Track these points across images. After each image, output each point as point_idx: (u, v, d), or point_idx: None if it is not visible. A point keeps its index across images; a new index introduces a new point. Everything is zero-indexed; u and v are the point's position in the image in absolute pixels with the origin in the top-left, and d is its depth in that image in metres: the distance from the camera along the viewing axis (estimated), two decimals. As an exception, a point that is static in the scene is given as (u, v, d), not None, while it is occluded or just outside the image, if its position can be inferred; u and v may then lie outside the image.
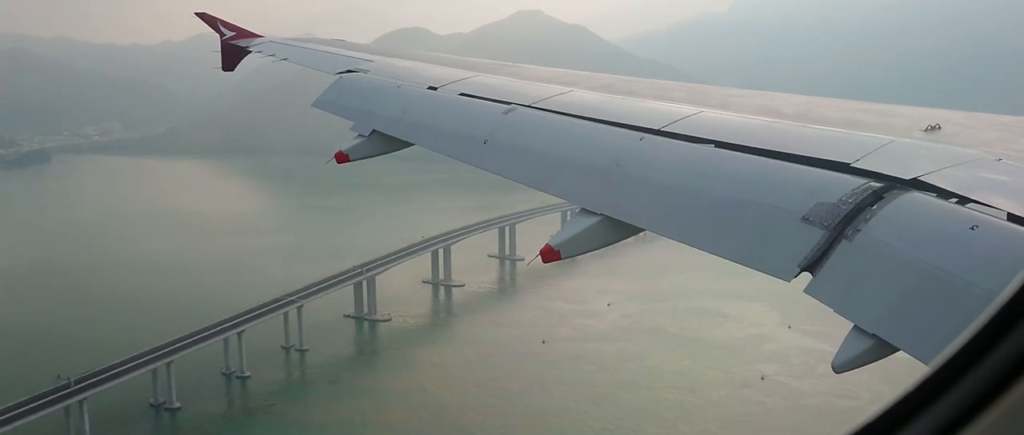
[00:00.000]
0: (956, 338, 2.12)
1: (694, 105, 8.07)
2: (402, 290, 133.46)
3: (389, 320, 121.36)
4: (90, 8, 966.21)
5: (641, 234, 7.02)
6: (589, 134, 7.92)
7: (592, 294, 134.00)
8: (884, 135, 6.28)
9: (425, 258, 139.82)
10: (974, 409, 2.04)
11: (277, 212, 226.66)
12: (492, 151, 8.66)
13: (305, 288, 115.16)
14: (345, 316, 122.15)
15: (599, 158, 7.47)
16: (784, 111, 7.99)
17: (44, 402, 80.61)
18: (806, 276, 5.03)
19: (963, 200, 4.78)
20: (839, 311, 4.74)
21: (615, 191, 6.96)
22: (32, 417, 78.64)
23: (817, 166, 5.75)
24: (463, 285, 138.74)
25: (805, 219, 5.20)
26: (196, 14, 18.75)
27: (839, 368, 4.70)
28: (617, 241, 6.85)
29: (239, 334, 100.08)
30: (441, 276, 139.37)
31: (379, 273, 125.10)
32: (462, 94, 10.15)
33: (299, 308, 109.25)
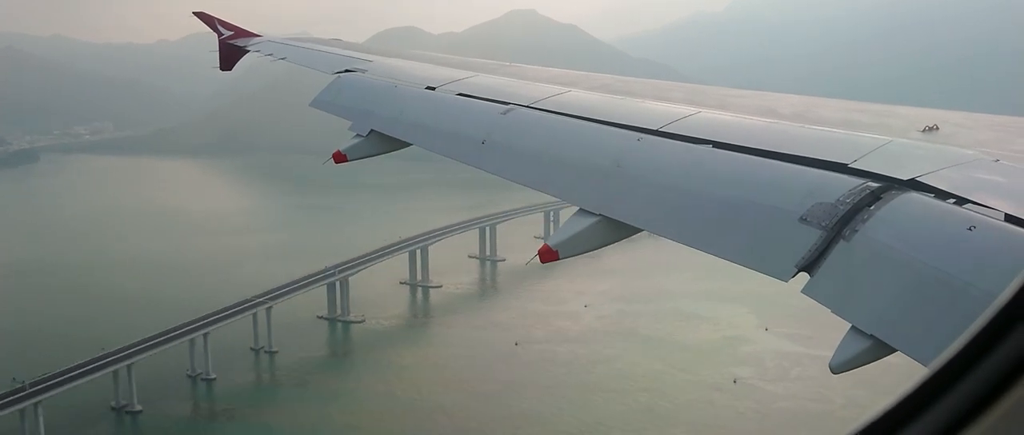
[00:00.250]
0: (954, 340, 2.12)
1: (692, 105, 8.03)
2: (379, 291, 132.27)
3: (362, 322, 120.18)
4: (87, 7, 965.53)
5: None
6: (587, 134, 7.90)
7: (571, 295, 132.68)
8: (882, 135, 6.26)
9: (407, 259, 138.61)
10: (972, 412, 2.03)
11: (268, 211, 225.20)
12: (490, 151, 8.65)
13: (274, 289, 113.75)
14: (318, 317, 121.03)
15: (597, 158, 7.45)
16: (782, 111, 7.96)
17: (-2, 405, 79.55)
18: (803, 277, 5.02)
19: (961, 201, 4.75)
20: (837, 311, 4.71)
21: (613, 191, 6.96)
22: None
23: (815, 166, 5.74)
24: (441, 286, 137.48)
25: (803, 219, 5.20)
26: (194, 14, 18.76)
27: (837, 369, 4.64)
28: (615, 241, 6.85)
29: (204, 336, 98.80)
30: (418, 277, 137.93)
31: (352, 274, 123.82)
32: (460, 94, 10.10)
33: (268, 309, 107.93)
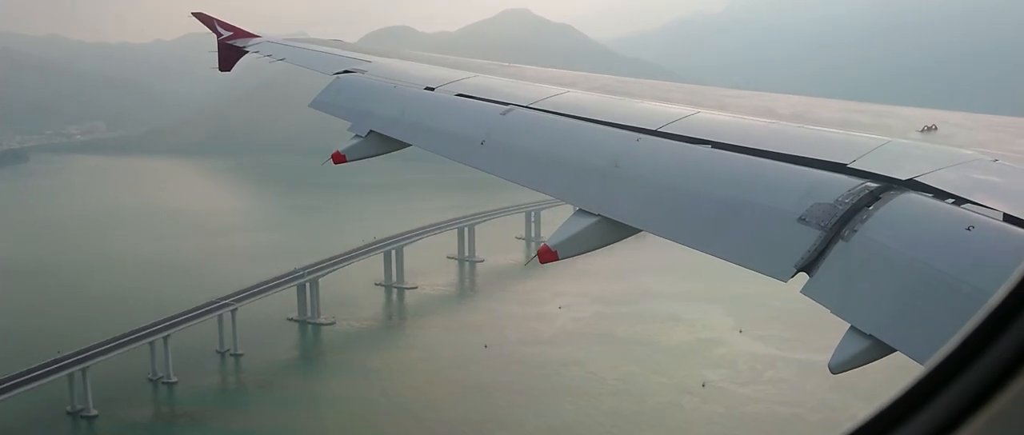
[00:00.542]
0: (950, 339, 2.16)
1: (691, 106, 8.00)
2: (353, 293, 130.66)
3: (333, 323, 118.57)
4: (83, 7, 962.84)
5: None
6: (586, 135, 7.90)
7: (549, 296, 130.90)
8: (881, 136, 6.26)
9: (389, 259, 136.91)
10: (968, 410, 2.06)
11: (257, 211, 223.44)
12: (489, 152, 8.65)
13: (242, 291, 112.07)
14: (288, 319, 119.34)
15: (596, 159, 7.45)
16: (781, 112, 7.92)
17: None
18: (802, 277, 5.02)
19: (959, 201, 4.77)
20: (836, 312, 4.70)
21: (612, 192, 6.97)
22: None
23: (814, 167, 5.73)
24: (416, 288, 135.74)
25: (802, 220, 5.20)
26: (193, 14, 18.77)
27: (836, 369, 4.62)
28: (614, 242, 6.83)
29: (165, 338, 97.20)
30: (394, 278, 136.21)
31: (322, 276, 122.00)
32: (459, 95, 10.11)
33: (233, 311, 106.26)
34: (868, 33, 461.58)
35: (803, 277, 5.00)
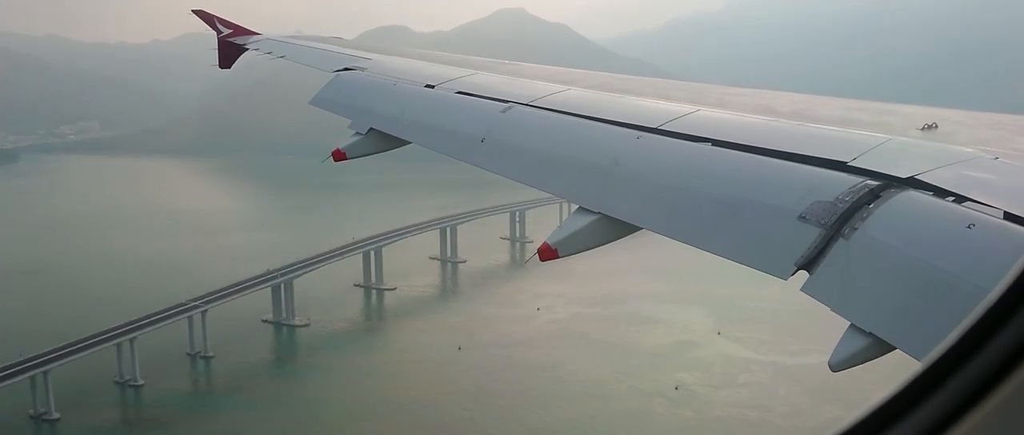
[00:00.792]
0: (947, 337, 2.19)
1: (691, 104, 7.99)
2: (331, 294, 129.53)
3: (307, 325, 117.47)
4: (80, 7, 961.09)
5: None
6: (586, 133, 7.88)
7: (528, 298, 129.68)
8: (881, 134, 6.22)
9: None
10: (964, 407, 2.07)
11: (255, 211, 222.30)
12: (489, 150, 8.64)
13: (213, 293, 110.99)
14: (263, 321, 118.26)
15: (596, 157, 7.43)
16: (781, 110, 7.91)
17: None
18: (801, 276, 5.01)
19: (960, 199, 4.76)
20: (836, 309, 4.71)
21: (612, 190, 6.98)
22: None
23: (814, 165, 5.71)
24: (395, 289, 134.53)
25: (802, 217, 5.19)
26: (193, 11, 18.80)
27: (836, 367, 4.60)
28: (614, 240, 6.80)
29: (131, 340, 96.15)
30: (372, 279, 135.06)
31: (296, 277, 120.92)
32: (459, 92, 10.07)
33: (203, 313, 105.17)
34: (867, 30, 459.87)
35: (803, 275, 4.99)
